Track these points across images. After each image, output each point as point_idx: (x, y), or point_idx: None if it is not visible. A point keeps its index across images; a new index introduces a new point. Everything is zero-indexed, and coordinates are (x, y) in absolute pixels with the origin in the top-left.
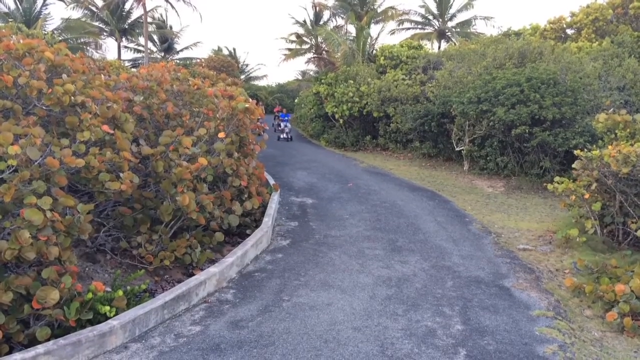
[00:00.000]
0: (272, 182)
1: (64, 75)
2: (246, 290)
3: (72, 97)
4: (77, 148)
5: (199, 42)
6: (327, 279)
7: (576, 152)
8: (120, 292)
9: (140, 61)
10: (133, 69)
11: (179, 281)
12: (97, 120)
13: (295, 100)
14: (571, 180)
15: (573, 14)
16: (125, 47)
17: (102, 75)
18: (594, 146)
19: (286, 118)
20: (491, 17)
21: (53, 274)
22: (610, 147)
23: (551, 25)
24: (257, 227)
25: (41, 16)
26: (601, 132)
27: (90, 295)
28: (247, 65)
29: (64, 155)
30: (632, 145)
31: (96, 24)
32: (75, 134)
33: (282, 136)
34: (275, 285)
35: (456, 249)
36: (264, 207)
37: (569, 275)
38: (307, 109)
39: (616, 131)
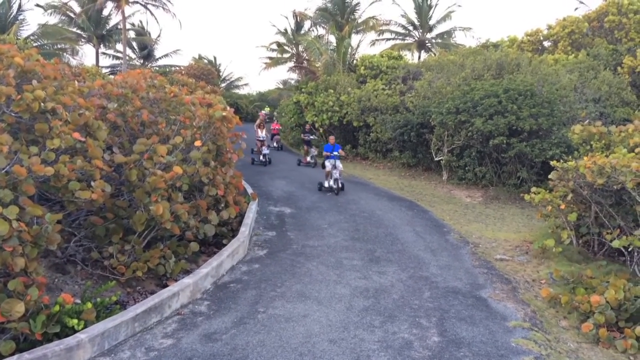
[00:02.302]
0: (250, 191)
1: (34, 81)
2: (221, 302)
3: (42, 104)
4: (47, 156)
5: (179, 50)
6: (303, 290)
7: (552, 162)
8: (89, 305)
9: (119, 68)
10: (111, 76)
11: (152, 292)
12: (67, 128)
13: (274, 112)
14: (548, 191)
15: (550, 27)
16: (104, 53)
17: (76, 82)
18: (570, 157)
19: (336, 153)
20: (470, 29)
21: (19, 286)
22: (585, 158)
23: (528, 37)
24: (234, 236)
25: (17, 22)
26: (577, 143)
27: (57, 307)
28: (228, 73)
29: (32, 164)
30: (607, 156)
31: (74, 30)
32: (45, 142)
33: (328, 184)
34: (251, 297)
35: (434, 259)
36: (241, 216)
37: (545, 286)
38: (287, 117)
39: (591, 142)
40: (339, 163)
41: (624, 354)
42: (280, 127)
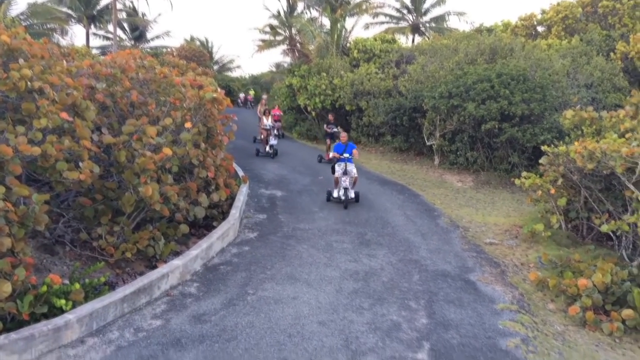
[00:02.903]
0: (241, 173)
1: (21, 60)
2: (210, 284)
3: (29, 83)
4: (34, 136)
5: (169, 32)
6: (293, 272)
7: (543, 147)
8: (77, 285)
9: (109, 49)
10: (102, 57)
11: (141, 274)
12: (55, 107)
13: (263, 95)
14: (538, 176)
15: (544, 12)
16: (95, 34)
17: (64, 61)
18: (561, 142)
19: (347, 155)
20: (464, 13)
21: (6, 266)
22: (576, 143)
23: (522, 22)
24: (224, 219)
25: (5, 1)
26: (568, 128)
27: (45, 288)
28: (220, 56)
29: (18, 143)
30: (597, 141)
31: (64, 9)
32: (32, 121)
33: (338, 194)
34: (241, 279)
35: (424, 242)
36: (232, 199)
37: (534, 269)
38: (280, 101)
39: (583, 128)
40: (351, 168)
41: (610, 337)
42: (282, 114)
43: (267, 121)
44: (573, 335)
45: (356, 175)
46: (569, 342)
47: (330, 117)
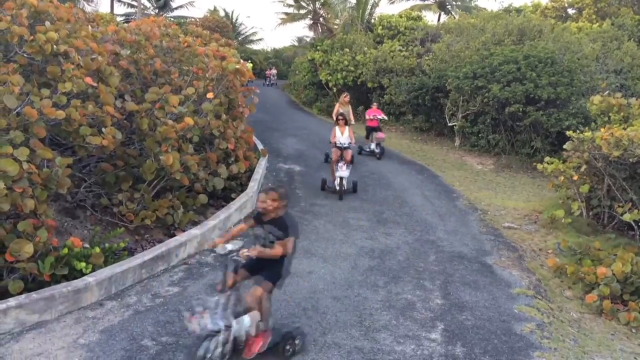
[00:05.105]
0: (260, 147)
1: (47, 23)
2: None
3: (55, 46)
4: (58, 99)
5: (194, 1)
6: (309, 247)
7: (568, 133)
8: (98, 249)
9: (133, 17)
10: (126, 25)
11: (160, 241)
12: (80, 72)
13: (273, 68)
14: (561, 161)
15: None
16: (119, 1)
17: (90, 27)
18: (587, 128)
19: None
20: None
21: (29, 227)
22: (602, 129)
23: (553, 3)
24: (242, 191)
25: None
26: (595, 114)
27: (66, 250)
28: (244, 27)
29: (43, 106)
30: (624, 129)
31: None
32: (57, 85)
33: None
34: None
35: (441, 223)
36: (250, 171)
37: (552, 256)
38: (301, 75)
39: (610, 114)
40: None
41: (626, 326)
42: (385, 118)
43: (342, 136)
44: (589, 323)
45: None
46: (585, 330)
47: None
